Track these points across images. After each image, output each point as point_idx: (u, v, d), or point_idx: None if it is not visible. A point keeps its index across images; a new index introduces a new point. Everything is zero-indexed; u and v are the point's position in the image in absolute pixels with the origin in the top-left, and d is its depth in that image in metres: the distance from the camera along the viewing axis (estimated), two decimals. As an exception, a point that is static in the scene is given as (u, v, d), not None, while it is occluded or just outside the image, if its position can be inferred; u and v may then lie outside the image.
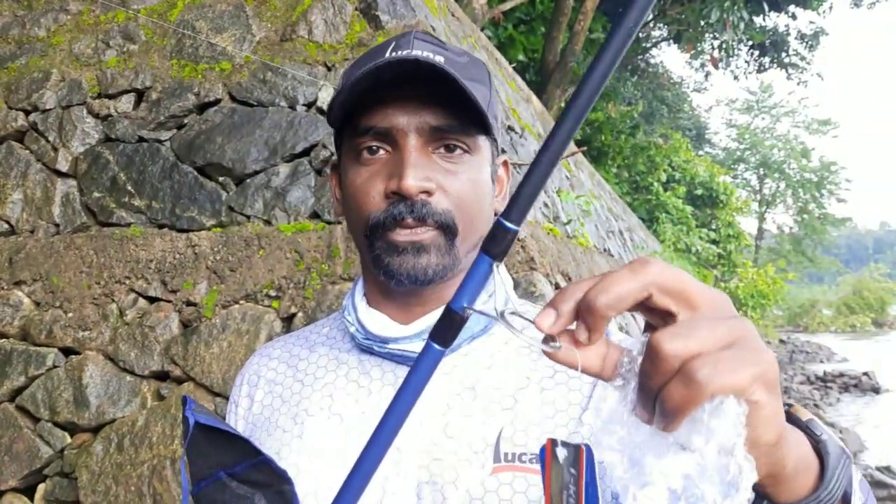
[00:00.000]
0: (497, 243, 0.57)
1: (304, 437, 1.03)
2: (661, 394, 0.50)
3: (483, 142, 1.05)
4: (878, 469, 10.75)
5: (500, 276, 0.58)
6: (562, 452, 0.64)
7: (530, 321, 0.55)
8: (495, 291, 0.58)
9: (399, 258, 0.99)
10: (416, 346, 1.00)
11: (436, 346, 0.60)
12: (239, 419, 1.14)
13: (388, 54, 0.99)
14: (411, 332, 1.02)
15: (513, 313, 0.58)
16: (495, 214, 1.08)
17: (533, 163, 0.56)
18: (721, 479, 0.49)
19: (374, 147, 1.00)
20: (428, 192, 0.98)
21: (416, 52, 0.98)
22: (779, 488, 0.59)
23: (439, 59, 0.98)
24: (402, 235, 0.98)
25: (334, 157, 1.15)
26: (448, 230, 1.00)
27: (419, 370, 0.61)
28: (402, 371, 1.04)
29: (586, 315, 0.53)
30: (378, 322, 1.05)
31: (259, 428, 1.09)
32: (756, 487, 0.57)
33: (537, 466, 0.93)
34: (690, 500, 0.50)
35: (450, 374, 1.03)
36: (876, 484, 9.70)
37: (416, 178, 0.96)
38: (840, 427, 14.61)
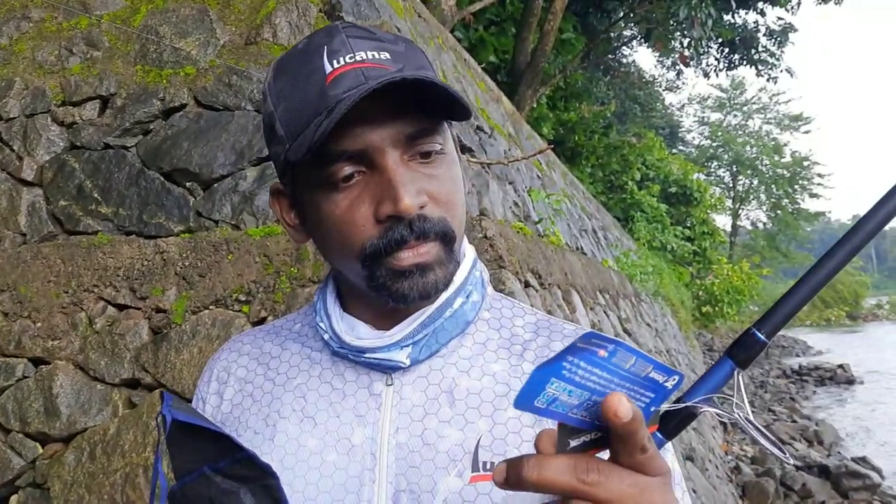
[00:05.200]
0: (744, 350, 0.57)
1: (275, 440, 1.00)
2: None
3: (447, 130, 1.00)
4: (853, 460, 10.88)
5: (741, 382, 0.58)
6: None
7: (764, 433, 0.58)
8: (737, 397, 0.58)
9: (407, 282, 0.93)
10: (395, 356, 0.98)
11: (659, 435, 0.62)
12: (207, 417, 1.07)
13: (326, 62, 0.92)
14: (390, 342, 0.98)
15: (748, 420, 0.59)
16: None
17: (798, 282, 0.56)
18: None
19: (348, 173, 0.92)
20: (421, 206, 0.92)
21: (360, 55, 0.92)
22: None
23: (385, 55, 0.93)
24: (405, 259, 0.93)
25: (276, 183, 1.07)
26: (446, 238, 0.95)
27: None
28: (377, 375, 1.01)
29: None
30: (354, 331, 1.01)
31: (228, 428, 1.05)
32: None
33: None
34: None
35: (427, 378, 1.00)
36: (851, 474, 9.81)
37: (410, 197, 0.90)
38: (816, 419, 14.75)
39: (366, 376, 1.01)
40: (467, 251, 1.07)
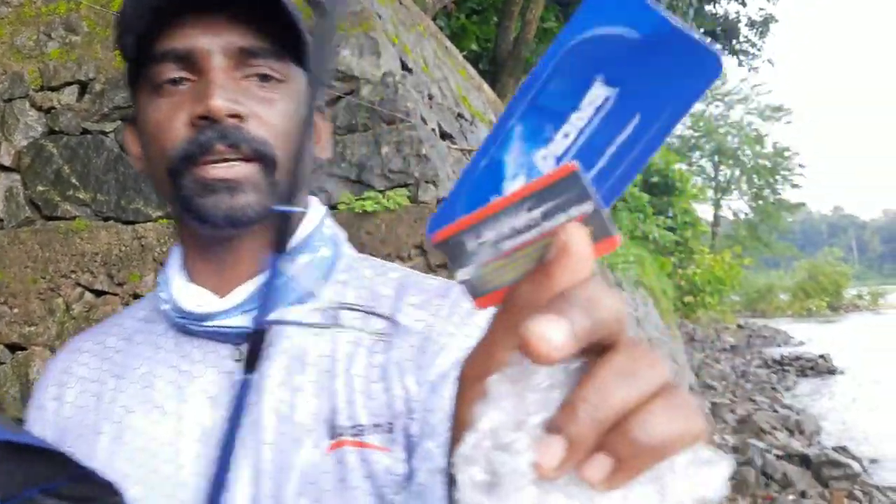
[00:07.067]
0: None
1: (124, 438, 0.93)
2: None
3: (297, 73, 0.96)
4: (834, 449, 10.96)
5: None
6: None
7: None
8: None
9: (213, 198, 0.87)
10: (236, 321, 0.91)
11: None
12: (47, 425, 1.00)
13: None
14: (229, 306, 0.92)
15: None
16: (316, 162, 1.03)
17: None
18: None
19: (175, 77, 0.89)
20: (239, 117, 0.88)
21: None
22: None
23: None
24: (212, 171, 0.87)
25: (132, 112, 1.00)
26: (265, 161, 0.89)
27: None
28: (225, 350, 0.93)
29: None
30: (193, 298, 0.94)
31: (70, 432, 0.97)
32: None
33: (372, 439, 0.86)
34: None
35: (276, 346, 0.92)
36: (832, 463, 9.89)
37: (223, 98, 0.86)
38: (797, 409, 14.88)
39: (213, 354, 0.94)
40: (315, 205, 1.02)
